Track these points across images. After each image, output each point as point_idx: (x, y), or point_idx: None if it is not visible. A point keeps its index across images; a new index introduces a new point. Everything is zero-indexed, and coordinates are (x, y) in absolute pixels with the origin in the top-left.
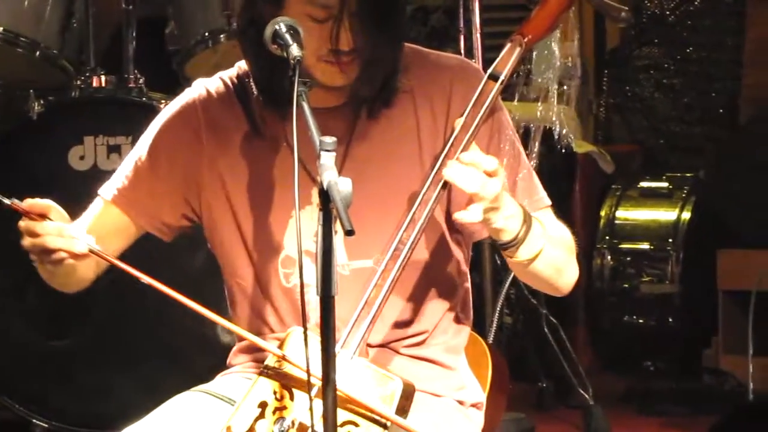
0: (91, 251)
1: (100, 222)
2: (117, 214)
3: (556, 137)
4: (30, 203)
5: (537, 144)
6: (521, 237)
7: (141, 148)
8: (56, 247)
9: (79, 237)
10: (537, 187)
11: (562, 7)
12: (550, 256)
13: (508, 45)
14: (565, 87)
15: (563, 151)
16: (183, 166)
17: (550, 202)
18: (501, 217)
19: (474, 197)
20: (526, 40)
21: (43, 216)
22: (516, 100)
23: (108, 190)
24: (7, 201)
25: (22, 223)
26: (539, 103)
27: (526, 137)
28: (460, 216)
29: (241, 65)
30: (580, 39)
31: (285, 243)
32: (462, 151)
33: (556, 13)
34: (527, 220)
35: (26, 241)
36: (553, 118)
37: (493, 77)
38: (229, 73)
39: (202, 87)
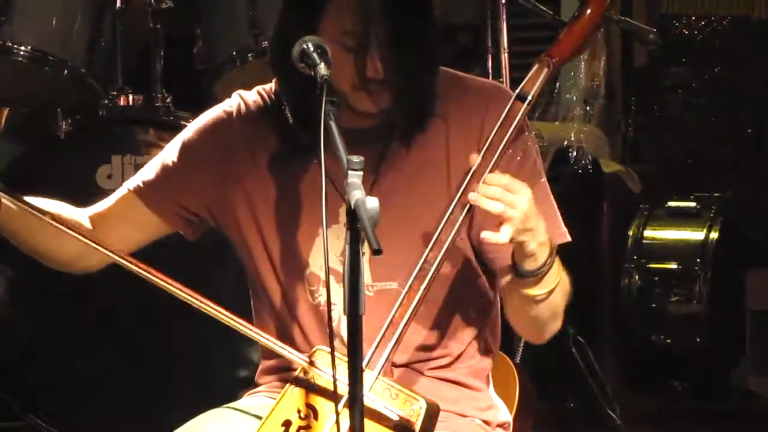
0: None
1: (117, 209)
2: (137, 204)
3: (573, 157)
4: None
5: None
6: (545, 269)
7: (172, 148)
8: None
9: None
10: (559, 221)
11: (590, 30)
12: (555, 299)
13: (536, 66)
14: (588, 107)
15: (590, 170)
16: (210, 179)
17: (570, 239)
18: (535, 242)
19: (502, 217)
20: (554, 61)
21: None
22: (545, 120)
23: (132, 181)
24: None
25: None
26: (571, 123)
27: (561, 159)
28: (487, 236)
29: None
30: (606, 59)
31: (310, 260)
32: (489, 172)
33: (584, 35)
34: (552, 253)
35: None
36: (573, 138)
37: (521, 98)
38: (267, 88)
39: (241, 100)
